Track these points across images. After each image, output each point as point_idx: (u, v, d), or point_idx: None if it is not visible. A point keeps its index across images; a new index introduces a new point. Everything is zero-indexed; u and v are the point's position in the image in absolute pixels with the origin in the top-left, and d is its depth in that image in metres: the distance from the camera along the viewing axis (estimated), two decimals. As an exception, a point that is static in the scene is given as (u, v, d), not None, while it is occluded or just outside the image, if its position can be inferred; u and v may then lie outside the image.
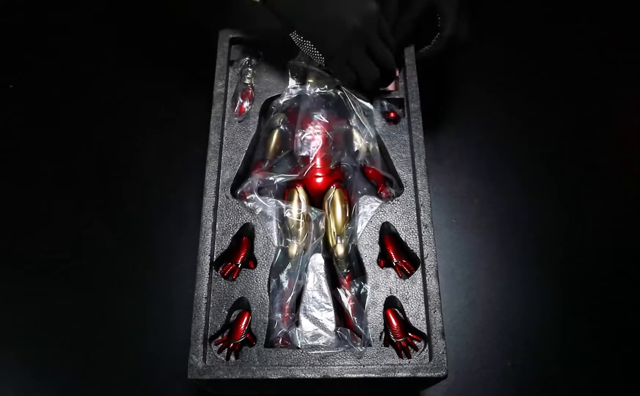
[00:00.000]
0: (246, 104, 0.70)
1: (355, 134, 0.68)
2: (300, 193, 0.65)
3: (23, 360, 0.69)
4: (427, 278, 0.59)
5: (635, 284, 0.74)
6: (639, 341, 0.71)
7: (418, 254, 0.62)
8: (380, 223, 0.64)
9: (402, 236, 0.63)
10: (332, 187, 0.65)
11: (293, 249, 0.62)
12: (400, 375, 0.54)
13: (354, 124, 0.67)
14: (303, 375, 0.54)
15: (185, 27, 0.93)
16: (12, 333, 0.71)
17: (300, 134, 0.66)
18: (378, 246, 0.63)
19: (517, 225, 0.78)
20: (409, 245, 0.62)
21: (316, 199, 0.66)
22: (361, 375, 0.54)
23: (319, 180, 0.66)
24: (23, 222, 0.77)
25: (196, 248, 0.61)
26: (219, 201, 0.64)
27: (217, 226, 0.63)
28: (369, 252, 0.62)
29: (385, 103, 0.71)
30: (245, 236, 0.64)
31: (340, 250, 0.62)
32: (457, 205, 0.79)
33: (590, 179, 0.81)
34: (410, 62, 0.72)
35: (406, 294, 0.60)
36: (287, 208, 0.63)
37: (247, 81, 0.72)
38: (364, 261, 0.62)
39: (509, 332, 0.71)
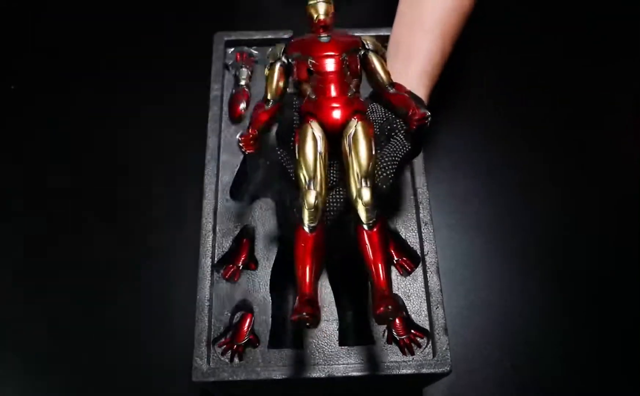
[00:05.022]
0: (242, 106, 0.71)
1: (373, 58, 0.56)
2: (315, 129, 0.52)
3: (23, 360, 0.69)
4: (428, 274, 0.60)
5: (635, 285, 0.74)
6: (639, 342, 0.71)
7: (418, 252, 0.62)
8: None
9: (402, 233, 0.63)
10: (353, 119, 0.53)
11: (311, 197, 0.51)
12: (404, 371, 0.54)
13: (370, 47, 0.57)
14: (307, 374, 0.54)
15: (184, 27, 0.93)
16: (12, 333, 0.70)
17: (308, 59, 0.54)
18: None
19: (517, 225, 0.78)
20: (409, 243, 0.63)
21: (334, 135, 0.53)
22: (366, 373, 0.54)
23: (337, 113, 0.53)
24: (23, 222, 0.77)
25: (196, 248, 0.61)
26: (218, 204, 0.64)
27: (217, 228, 0.63)
28: (370, 250, 0.62)
29: None
30: (246, 237, 0.64)
31: (366, 195, 0.50)
32: (457, 205, 0.79)
33: (590, 179, 0.82)
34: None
35: (408, 291, 0.60)
36: (299, 149, 0.52)
37: (243, 82, 0.72)
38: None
39: (509, 332, 0.71)
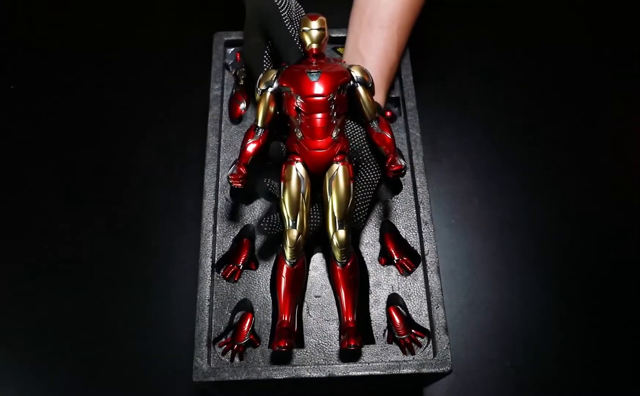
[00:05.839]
0: (242, 106, 0.71)
1: (361, 91, 0.58)
2: (299, 170, 0.56)
3: (24, 360, 0.69)
4: (428, 274, 0.60)
5: (635, 285, 0.74)
6: (639, 342, 0.71)
7: (419, 251, 0.62)
8: (381, 221, 0.64)
9: (402, 233, 0.63)
10: (335, 163, 0.56)
11: (293, 236, 0.55)
12: (405, 371, 0.54)
13: (358, 79, 0.57)
14: (308, 374, 0.54)
15: (184, 27, 0.93)
16: (13, 333, 0.70)
17: (297, 98, 0.56)
18: (379, 244, 0.63)
19: (517, 225, 0.78)
20: (409, 242, 0.63)
21: (317, 175, 0.57)
22: (366, 373, 0.54)
23: (320, 157, 0.56)
24: (23, 222, 0.77)
25: (196, 247, 0.61)
26: (219, 204, 0.64)
27: (217, 228, 0.63)
28: (370, 250, 0.62)
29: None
30: (246, 237, 0.64)
31: (341, 236, 0.55)
32: (457, 205, 0.79)
33: (590, 180, 0.82)
34: (405, 60, 0.72)
35: (408, 291, 0.60)
36: (284, 189, 0.56)
37: (242, 82, 0.72)
38: (365, 259, 0.62)
39: (508, 332, 0.72)
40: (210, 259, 0.60)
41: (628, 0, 0.97)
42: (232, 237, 0.62)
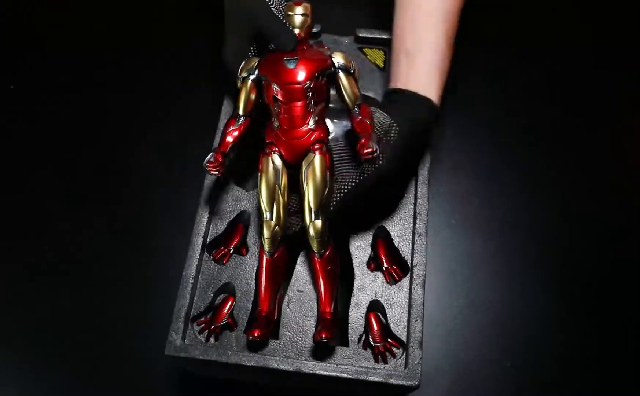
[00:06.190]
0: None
1: (342, 78, 0.56)
2: (275, 161, 0.56)
3: (24, 360, 0.70)
4: (413, 286, 0.59)
5: (635, 285, 0.73)
6: (639, 342, 0.70)
7: (409, 262, 0.61)
8: (376, 226, 0.63)
9: (396, 241, 0.62)
10: (311, 152, 0.55)
11: (269, 227, 0.55)
12: (372, 378, 0.54)
13: (340, 65, 0.56)
14: (276, 365, 0.55)
15: (184, 28, 0.94)
16: (13, 333, 0.71)
17: (273, 85, 0.55)
18: (370, 249, 0.62)
19: (517, 225, 0.77)
20: (401, 252, 0.62)
21: (294, 164, 0.56)
22: (333, 374, 0.54)
23: (295, 147, 0.56)
24: (23, 222, 0.78)
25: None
26: (218, 187, 0.65)
27: (215, 210, 0.64)
28: (360, 254, 0.62)
29: None
30: (241, 222, 0.65)
31: (317, 226, 0.54)
32: (457, 205, 0.78)
33: (591, 180, 0.80)
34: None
35: (391, 300, 0.60)
36: (260, 180, 0.56)
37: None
38: (353, 261, 0.62)
39: (508, 332, 0.71)
40: (202, 239, 0.61)
41: (628, 0, 0.94)
42: (227, 220, 0.64)
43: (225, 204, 0.64)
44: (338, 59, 0.56)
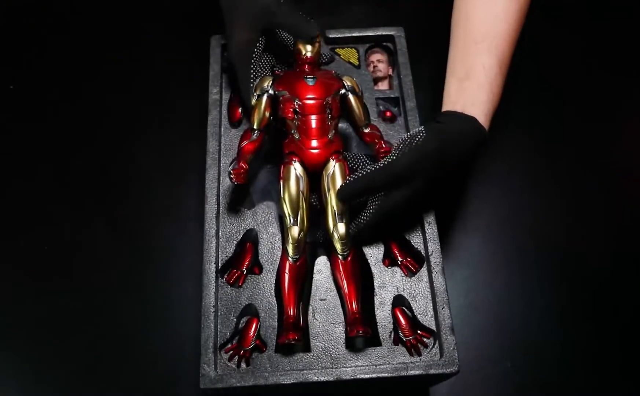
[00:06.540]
0: (241, 109, 0.70)
1: (351, 99, 0.63)
2: (297, 169, 0.59)
3: (24, 361, 0.69)
4: (433, 274, 0.60)
5: (635, 285, 0.74)
6: (639, 342, 0.71)
7: (422, 252, 0.62)
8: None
9: (406, 234, 0.63)
10: (331, 160, 0.60)
11: (295, 233, 0.58)
12: (412, 373, 0.54)
13: (349, 87, 0.63)
14: (316, 378, 0.54)
15: (181, 30, 0.92)
16: (13, 333, 0.70)
17: (295, 100, 0.60)
18: (382, 246, 0.63)
19: (517, 225, 0.78)
20: (412, 243, 0.63)
21: (314, 173, 0.60)
22: (374, 375, 0.54)
23: (317, 155, 0.60)
24: (24, 222, 0.77)
25: (196, 248, 0.61)
26: (221, 209, 0.64)
27: (220, 233, 0.62)
28: (374, 251, 0.62)
29: (381, 102, 0.72)
30: (249, 241, 0.63)
31: (341, 229, 0.58)
32: (457, 205, 0.79)
33: (591, 180, 0.81)
34: (404, 60, 0.72)
35: (413, 292, 0.60)
36: (283, 188, 0.59)
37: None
38: (369, 261, 0.62)
39: (508, 332, 0.71)
40: (214, 265, 0.60)
41: (628, 0, 0.97)
42: (235, 242, 0.62)
43: (231, 226, 0.63)
44: (347, 82, 0.63)
